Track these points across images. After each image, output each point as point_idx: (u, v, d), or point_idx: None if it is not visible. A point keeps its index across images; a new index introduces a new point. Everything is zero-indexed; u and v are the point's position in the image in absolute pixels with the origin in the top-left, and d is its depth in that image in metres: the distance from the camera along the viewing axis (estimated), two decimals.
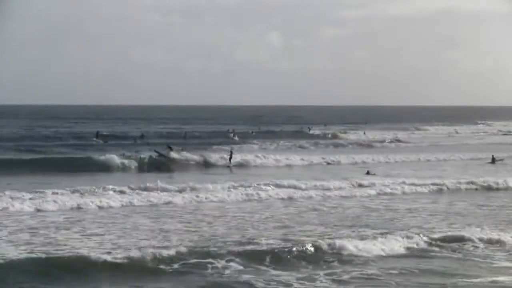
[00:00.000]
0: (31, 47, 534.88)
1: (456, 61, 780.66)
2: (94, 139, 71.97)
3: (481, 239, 21.08)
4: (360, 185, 34.75)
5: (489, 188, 35.42)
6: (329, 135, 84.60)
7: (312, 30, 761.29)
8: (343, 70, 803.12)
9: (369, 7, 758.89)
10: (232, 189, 31.87)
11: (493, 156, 51.16)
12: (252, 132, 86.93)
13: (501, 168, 46.02)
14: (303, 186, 33.44)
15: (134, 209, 27.21)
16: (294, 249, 19.22)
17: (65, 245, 19.77)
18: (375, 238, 20.80)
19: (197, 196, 29.99)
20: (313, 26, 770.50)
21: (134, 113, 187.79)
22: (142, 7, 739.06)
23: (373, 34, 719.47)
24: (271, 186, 32.94)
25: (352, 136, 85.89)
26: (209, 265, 17.62)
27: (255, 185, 32.88)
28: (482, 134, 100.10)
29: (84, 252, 18.39)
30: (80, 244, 19.97)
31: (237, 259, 18.10)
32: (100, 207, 27.31)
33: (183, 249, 18.64)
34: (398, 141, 76.74)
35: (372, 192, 33.12)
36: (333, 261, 18.58)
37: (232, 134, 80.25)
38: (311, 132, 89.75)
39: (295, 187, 33.18)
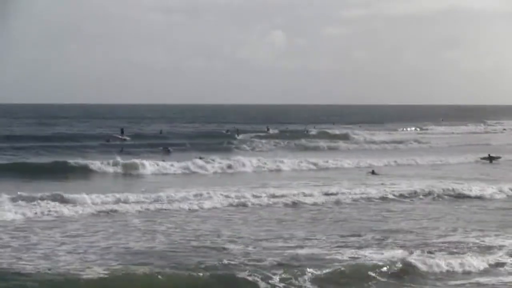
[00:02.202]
0: (31, 47, 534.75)
1: (457, 60, 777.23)
2: (119, 136, 70.59)
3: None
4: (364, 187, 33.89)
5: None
6: (338, 135, 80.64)
7: (314, 30, 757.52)
8: (345, 69, 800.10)
9: (371, 6, 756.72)
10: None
11: (489, 155, 52.07)
12: (268, 130, 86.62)
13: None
14: (306, 191, 32.10)
15: None
16: None
17: None
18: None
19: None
20: (314, 26, 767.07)
21: (135, 112, 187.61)
22: (143, 7, 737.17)
23: (375, 34, 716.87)
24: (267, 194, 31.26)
25: (361, 137, 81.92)
26: None
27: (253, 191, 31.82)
28: (499, 133, 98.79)
29: None
30: None
31: None
32: None
33: None
34: (416, 141, 74.10)
35: (372, 194, 31.89)
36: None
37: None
38: (311, 132, 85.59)
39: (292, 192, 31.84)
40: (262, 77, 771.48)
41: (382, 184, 35.52)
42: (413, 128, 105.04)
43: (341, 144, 69.80)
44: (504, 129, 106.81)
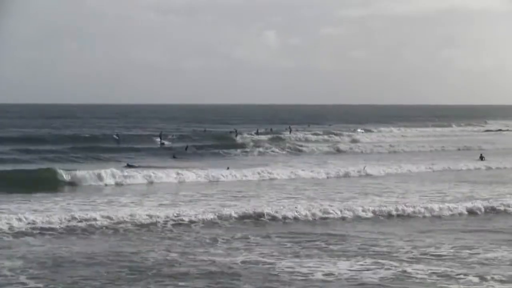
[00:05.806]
0: (31, 47, 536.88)
1: (457, 60, 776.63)
2: (158, 140, 67.97)
3: None
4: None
5: None
6: (341, 137, 77.10)
7: (312, 29, 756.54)
8: (343, 69, 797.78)
9: (370, 6, 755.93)
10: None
11: (481, 154, 53.92)
12: (270, 129, 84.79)
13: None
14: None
15: None
16: None
17: None
18: None
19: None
20: (313, 25, 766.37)
21: (139, 112, 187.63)
22: (141, 7, 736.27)
23: (374, 33, 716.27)
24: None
25: (368, 139, 77.92)
26: None
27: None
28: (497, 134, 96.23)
29: None
30: None
31: None
32: None
33: None
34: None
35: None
36: None
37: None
38: (292, 134, 78.71)
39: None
40: (261, 77, 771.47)
41: (365, 187, 35.14)
42: (361, 130, 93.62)
43: (335, 145, 66.97)
44: (500, 130, 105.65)
